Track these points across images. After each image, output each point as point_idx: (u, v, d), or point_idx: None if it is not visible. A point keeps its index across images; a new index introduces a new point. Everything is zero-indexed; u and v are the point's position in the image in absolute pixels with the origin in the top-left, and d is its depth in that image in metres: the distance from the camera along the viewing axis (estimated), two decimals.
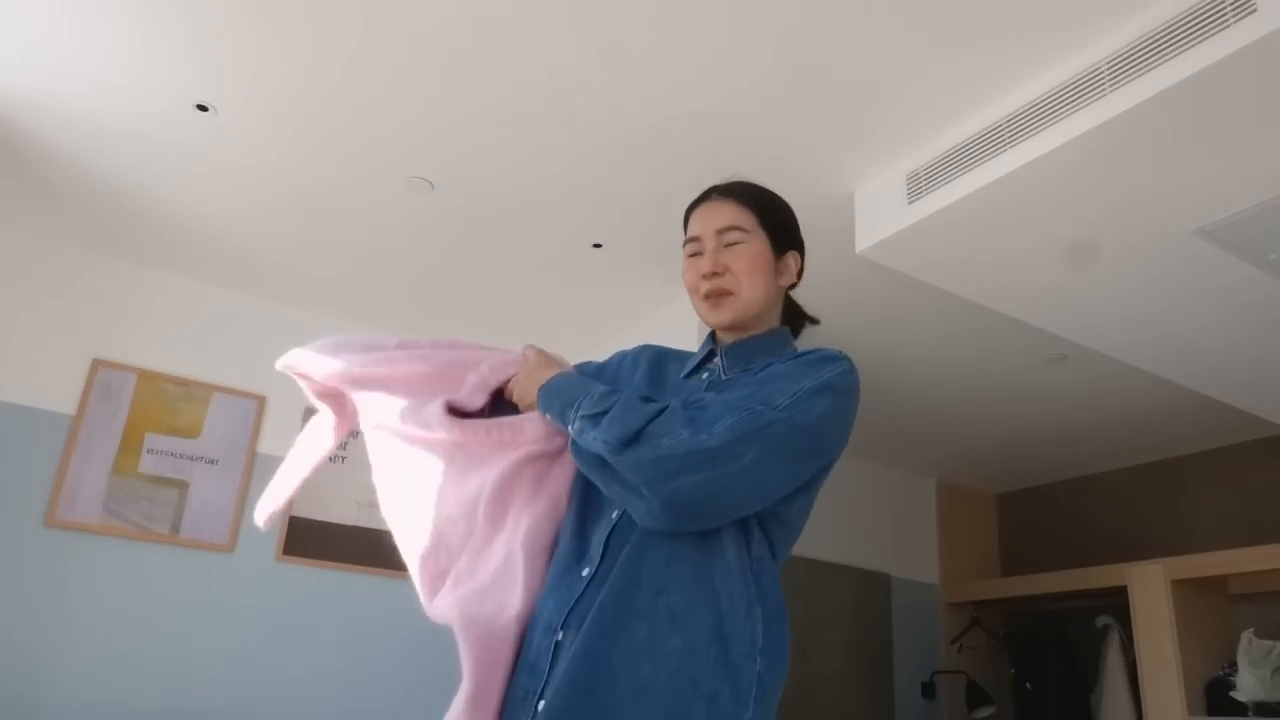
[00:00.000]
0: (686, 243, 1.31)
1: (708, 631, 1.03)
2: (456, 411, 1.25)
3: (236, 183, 2.74)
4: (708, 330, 1.32)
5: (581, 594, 1.08)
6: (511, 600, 1.13)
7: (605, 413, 1.07)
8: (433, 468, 1.26)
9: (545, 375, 1.24)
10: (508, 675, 1.10)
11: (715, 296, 1.25)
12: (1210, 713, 3.27)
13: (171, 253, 3.22)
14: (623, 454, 1.03)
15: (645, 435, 1.03)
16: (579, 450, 1.11)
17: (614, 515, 1.14)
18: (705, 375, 1.27)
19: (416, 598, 1.24)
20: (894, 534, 4.49)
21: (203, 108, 2.39)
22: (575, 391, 1.16)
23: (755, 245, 1.25)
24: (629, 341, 4.28)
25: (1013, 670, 4.30)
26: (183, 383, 3.27)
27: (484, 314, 3.55)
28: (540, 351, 1.32)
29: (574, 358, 1.38)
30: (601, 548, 1.11)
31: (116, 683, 2.89)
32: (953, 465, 4.60)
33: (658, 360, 1.37)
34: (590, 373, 1.38)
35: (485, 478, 1.22)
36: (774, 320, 1.30)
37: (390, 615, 3.35)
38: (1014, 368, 3.42)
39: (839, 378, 1.12)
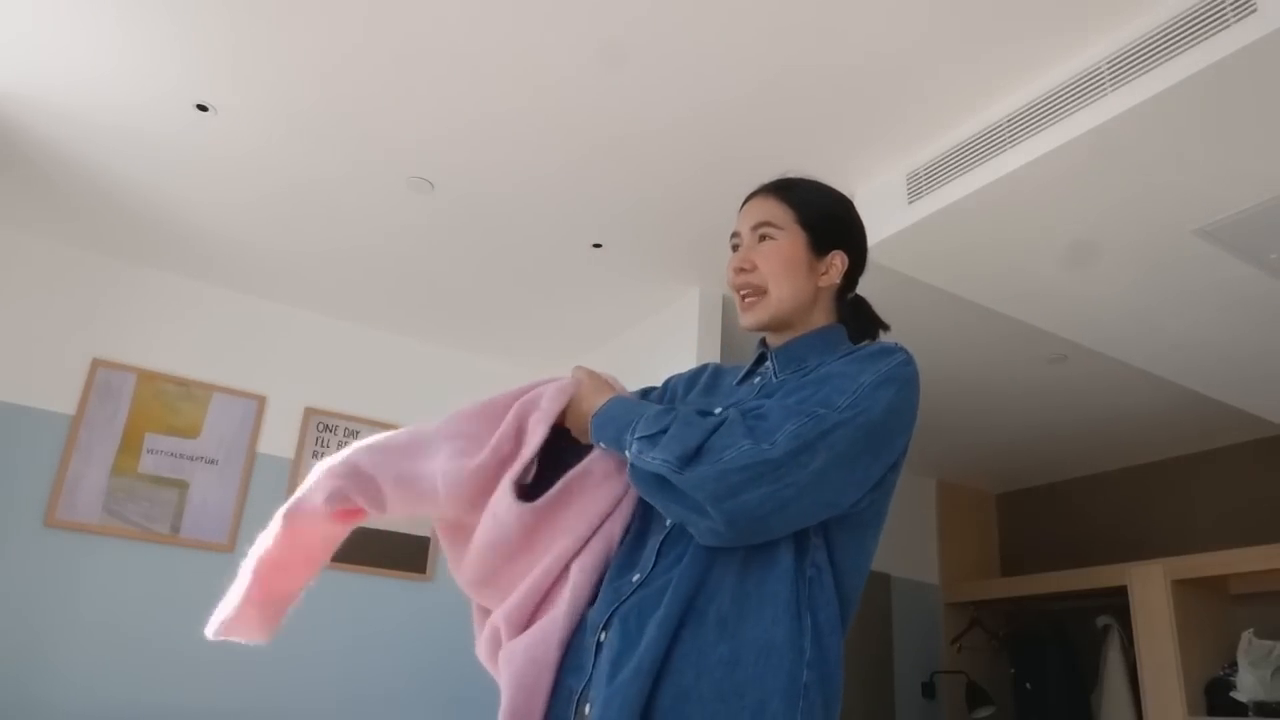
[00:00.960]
0: (731, 238, 1.29)
1: (756, 641, 0.99)
2: (521, 484, 1.18)
3: (237, 182, 2.74)
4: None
5: (628, 597, 1.06)
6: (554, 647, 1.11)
7: (663, 431, 1.03)
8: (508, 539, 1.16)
9: (598, 400, 1.17)
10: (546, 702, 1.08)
11: (745, 296, 1.23)
12: (1210, 713, 3.26)
13: (171, 252, 3.22)
14: (684, 471, 0.99)
15: (706, 450, 0.99)
16: (638, 473, 1.06)
17: (668, 522, 1.11)
18: (757, 380, 1.24)
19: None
20: (894, 534, 4.46)
21: (203, 107, 2.39)
22: (629, 414, 1.11)
23: (786, 243, 1.21)
24: (629, 341, 4.28)
25: (1013, 670, 4.30)
26: (182, 383, 3.27)
27: (484, 314, 3.55)
28: (591, 373, 1.24)
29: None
30: (654, 554, 1.09)
31: (116, 683, 2.89)
32: (953, 465, 4.59)
33: (714, 375, 1.35)
34: (653, 398, 1.35)
35: (556, 545, 1.15)
36: (820, 319, 1.25)
37: (390, 615, 3.35)
38: (1014, 367, 3.42)
39: (897, 369, 1.08)
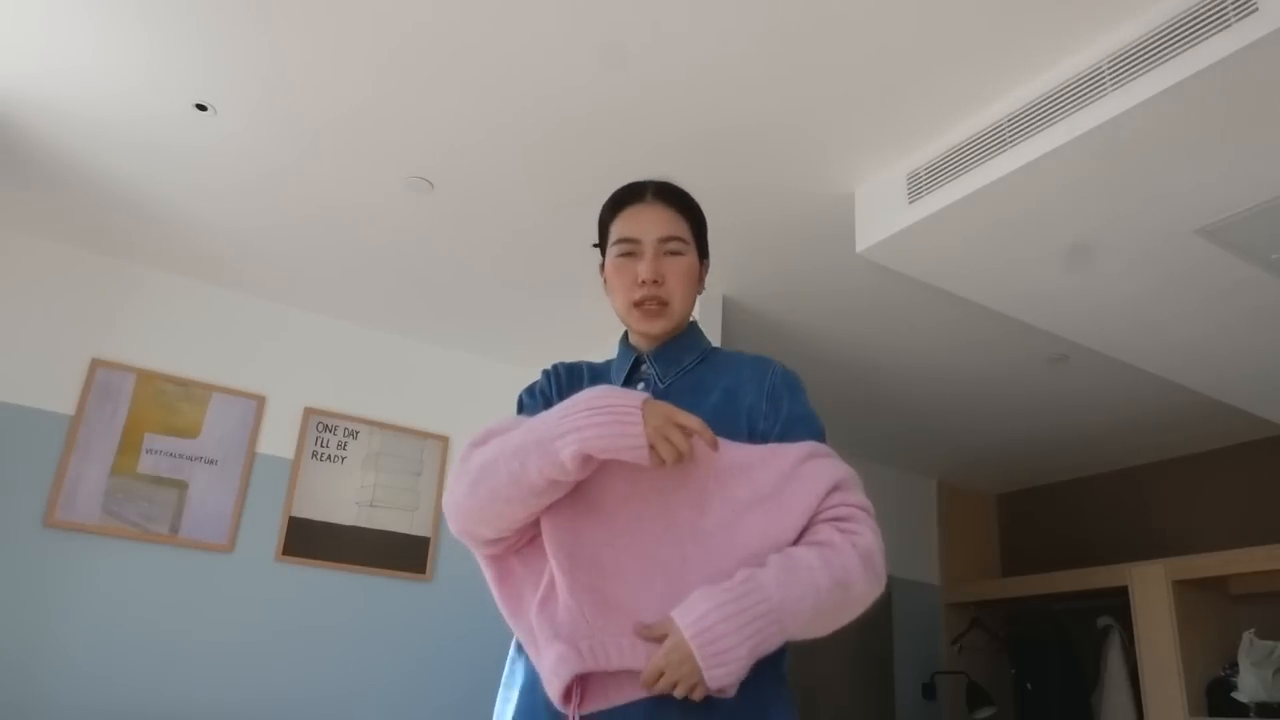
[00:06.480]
0: (616, 242, 1.26)
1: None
2: None
3: (236, 182, 2.74)
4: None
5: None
6: None
7: None
8: None
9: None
10: None
11: (650, 305, 1.23)
12: (1211, 713, 3.26)
13: (171, 252, 3.21)
14: None
15: None
16: None
17: None
18: (641, 385, 1.25)
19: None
20: (894, 534, 4.47)
21: (202, 107, 2.39)
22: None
23: (691, 259, 1.26)
24: None
25: (1013, 671, 4.30)
26: (182, 383, 3.27)
27: (484, 314, 3.55)
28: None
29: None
30: None
31: (116, 683, 2.88)
32: (953, 465, 4.59)
33: (592, 378, 1.29)
34: (537, 390, 1.29)
35: None
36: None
37: (390, 615, 3.35)
38: (1015, 368, 3.42)
39: (801, 391, 1.23)
